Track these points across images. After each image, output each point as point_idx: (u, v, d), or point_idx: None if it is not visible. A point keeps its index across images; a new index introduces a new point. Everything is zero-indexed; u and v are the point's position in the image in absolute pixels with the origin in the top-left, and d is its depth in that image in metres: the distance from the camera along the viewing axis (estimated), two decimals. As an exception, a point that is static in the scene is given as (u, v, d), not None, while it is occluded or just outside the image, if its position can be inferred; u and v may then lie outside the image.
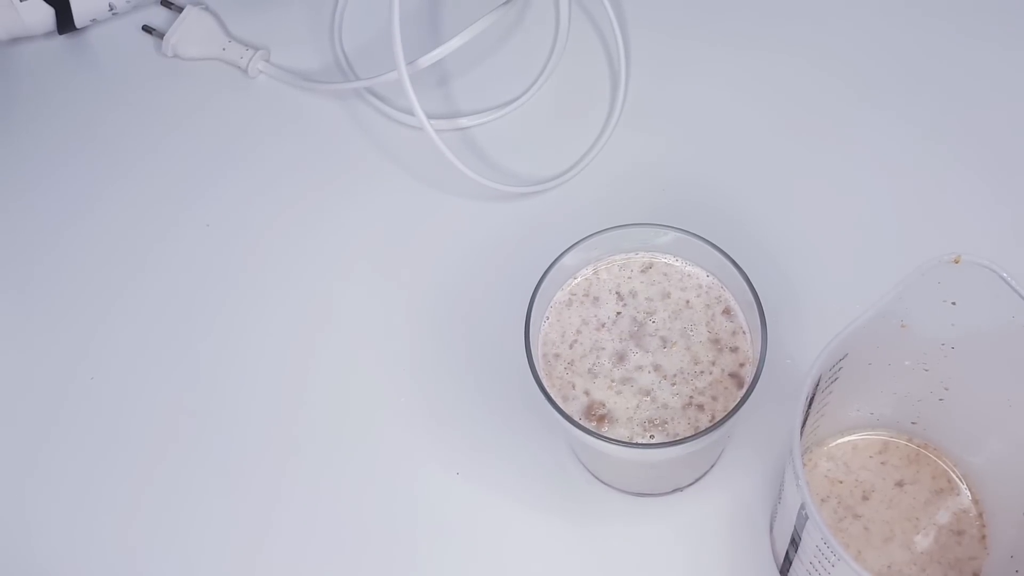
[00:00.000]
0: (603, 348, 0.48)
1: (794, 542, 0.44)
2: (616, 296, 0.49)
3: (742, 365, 0.48)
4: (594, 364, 0.48)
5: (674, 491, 0.52)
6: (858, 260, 0.57)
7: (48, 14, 0.64)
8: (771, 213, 0.58)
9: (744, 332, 0.48)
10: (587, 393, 0.48)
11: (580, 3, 0.66)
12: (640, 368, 0.48)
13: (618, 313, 0.49)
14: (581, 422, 0.47)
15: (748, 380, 0.47)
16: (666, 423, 0.47)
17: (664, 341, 0.48)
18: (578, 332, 0.49)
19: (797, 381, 0.41)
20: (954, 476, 0.50)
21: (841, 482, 0.50)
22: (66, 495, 0.54)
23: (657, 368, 0.48)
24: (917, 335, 0.44)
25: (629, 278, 0.50)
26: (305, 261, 0.59)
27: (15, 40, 0.66)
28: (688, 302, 0.49)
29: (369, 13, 0.66)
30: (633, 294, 0.49)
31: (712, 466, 0.52)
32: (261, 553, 0.52)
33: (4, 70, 0.66)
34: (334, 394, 0.56)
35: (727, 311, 0.49)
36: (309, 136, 0.63)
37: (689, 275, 0.50)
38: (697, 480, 0.52)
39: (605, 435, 0.46)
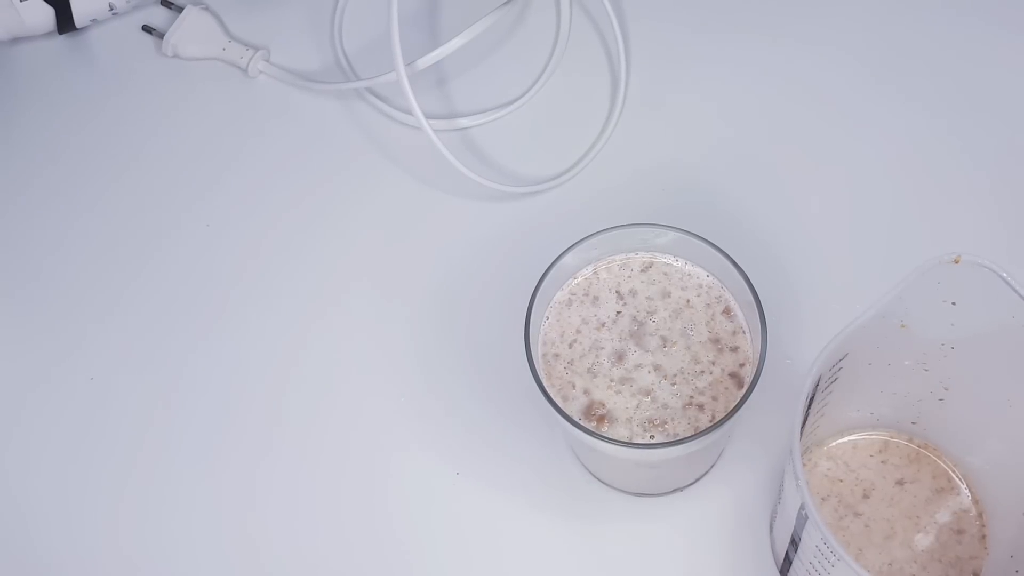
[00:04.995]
0: (602, 348, 0.48)
1: (794, 542, 0.44)
2: (616, 295, 0.49)
3: (742, 365, 0.48)
4: (593, 363, 0.48)
5: (674, 491, 0.52)
6: (858, 260, 0.57)
7: (48, 14, 0.64)
8: (771, 213, 0.58)
9: (744, 332, 0.48)
10: (587, 393, 0.48)
11: (581, 3, 0.66)
12: (640, 367, 0.48)
13: (618, 312, 0.49)
14: (581, 422, 0.47)
15: (748, 380, 0.47)
16: (666, 423, 0.47)
17: (664, 341, 0.48)
18: (578, 332, 0.49)
19: (797, 381, 0.41)
20: (954, 476, 0.50)
21: (841, 481, 0.50)
22: (65, 494, 0.54)
23: (657, 368, 0.48)
24: (917, 335, 0.44)
25: (629, 277, 0.50)
26: (305, 261, 0.59)
27: (15, 40, 0.66)
28: (688, 302, 0.49)
29: (369, 13, 0.66)
30: (633, 293, 0.49)
31: (712, 466, 0.52)
32: (261, 553, 0.52)
33: (4, 70, 0.66)
34: (333, 394, 0.56)
35: (727, 311, 0.49)
36: (309, 136, 0.63)
37: (689, 275, 0.50)
38: (697, 480, 0.52)
39: (605, 435, 0.46)
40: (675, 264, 0.50)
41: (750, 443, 0.52)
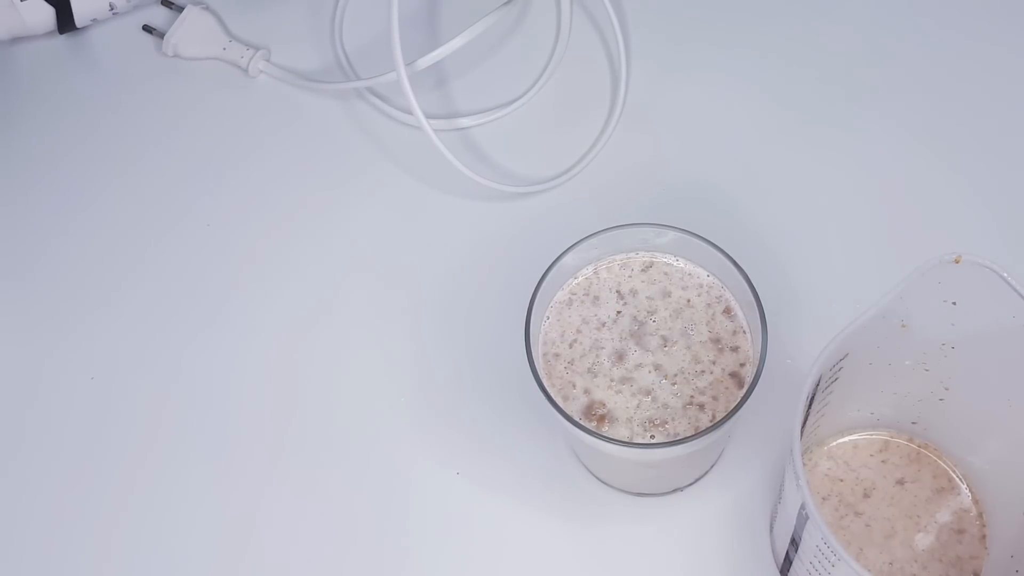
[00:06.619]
0: (603, 347, 0.48)
1: (794, 542, 0.44)
2: (616, 295, 0.49)
3: (742, 365, 0.48)
4: (594, 363, 0.48)
5: (674, 491, 0.52)
6: (858, 260, 0.57)
7: (48, 14, 0.64)
8: (771, 213, 0.58)
9: (744, 332, 0.48)
10: (587, 392, 0.48)
11: (581, 3, 0.66)
12: (640, 367, 0.48)
13: (618, 312, 0.49)
14: (581, 422, 0.47)
15: (748, 380, 0.47)
16: (666, 423, 0.47)
17: (664, 340, 0.48)
18: (578, 331, 0.49)
19: (797, 381, 0.41)
20: (954, 476, 0.50)
21: (842, 480, 0.50)
22: (65, 495, 0.54)
23: (657, 368, 0.48)
24: (917, 335, 0.44)
25: (629, 277, 0.50)
26: (305, 261, 0.59)
27: (15, 40, 0.66)
28: (689, 301, 0.49)
29: (370, 13, 0.66)
30: (633, 293, 0.49)
31: (712, 466, 0.52)
32: (260, 553, 0.52)
33: (4, 70, 0.66)
34: (334, 394, 0.56)
35: (727, 311, 0.49)
36: (309, 136, 0.63)
37: (690, 274, 0.50)
38: (697, 480, 0.52)
39: (605, 435, 0.46)
40: (675, 264, 0.50)
41: (750, 443, 0.52)
